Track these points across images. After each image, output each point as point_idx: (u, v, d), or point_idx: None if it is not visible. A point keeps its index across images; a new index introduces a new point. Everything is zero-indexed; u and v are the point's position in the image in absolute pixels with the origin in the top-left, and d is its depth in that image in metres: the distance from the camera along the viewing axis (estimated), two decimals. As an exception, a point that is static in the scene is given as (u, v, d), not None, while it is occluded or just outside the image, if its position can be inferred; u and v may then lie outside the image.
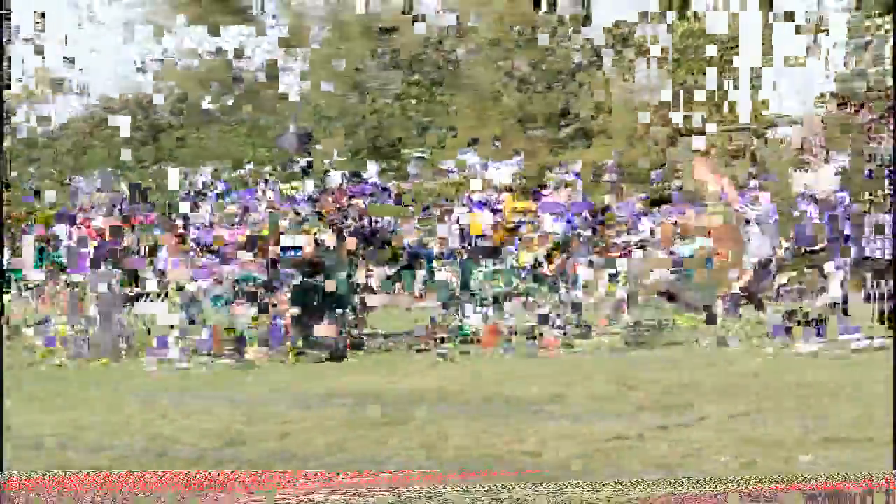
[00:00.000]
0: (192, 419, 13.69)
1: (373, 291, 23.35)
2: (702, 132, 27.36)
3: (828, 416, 12.88)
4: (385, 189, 25.23)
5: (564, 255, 23.92)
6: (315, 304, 21.41)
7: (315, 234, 22.28)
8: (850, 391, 14.93)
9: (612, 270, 24.07)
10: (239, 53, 36.87)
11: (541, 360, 20.11)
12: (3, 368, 15.69)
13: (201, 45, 36.91)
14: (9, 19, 24.80)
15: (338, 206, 23.29)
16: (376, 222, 23.72)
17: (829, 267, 24.10)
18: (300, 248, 21.89)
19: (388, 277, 23.85)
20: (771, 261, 22.89)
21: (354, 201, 23.62)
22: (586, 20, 30.94)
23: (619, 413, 13.45)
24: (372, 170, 25.92)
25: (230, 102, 37.65)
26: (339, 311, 21.60)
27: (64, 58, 33.42)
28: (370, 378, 17.65)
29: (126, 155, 30.55)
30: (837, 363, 18.52)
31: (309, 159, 25.54)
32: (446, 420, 13.22)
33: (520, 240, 24.60)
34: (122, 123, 31.24)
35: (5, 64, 24.04)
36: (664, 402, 14.20)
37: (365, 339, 22.23)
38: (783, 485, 9.63)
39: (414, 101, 37.53)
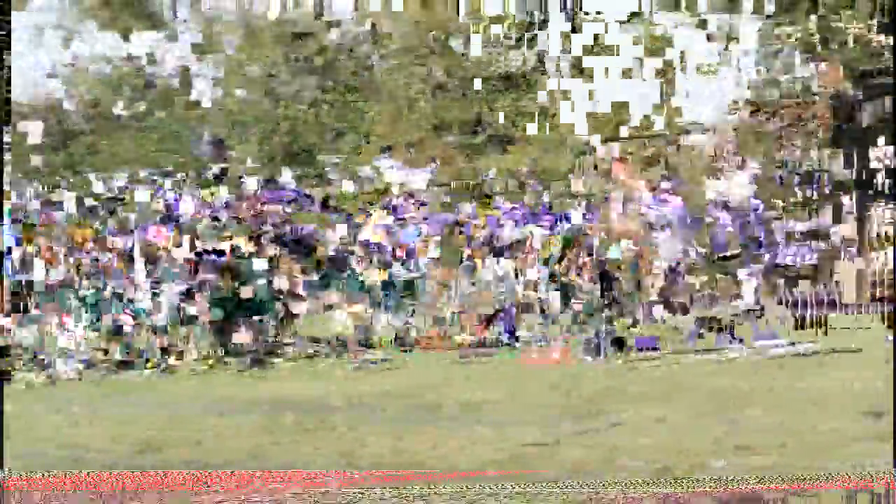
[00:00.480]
0: (105, 426, 13.55)
1: (299, 298, 23.11)
2: (616, 139, 27.48)
3: (740, 421, 12.96)
4: (308, 196, 25.04)
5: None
6: (234, 310, 21.27)
7: (231, 240, 22.08)
8: (767, 397, 15.04)
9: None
10: (151, 59, 36.55)
11: (467, 366, 20.11)
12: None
13: (113, 50, 36.55)
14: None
15: (252, 212, 23.11)
16: (301, 229, 23.53)
17: (741, 273, 24.27)
18: (222, 252, 21.72)
19: (312, 284, 23.64)
20: (679, 264, 22.93)
21: (271, 207, 23.44)
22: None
23: (538, 419, 13.45)
24: (287, 176, 25.75)
25: (142, 108, 37.32)
26: (258, 317, 21.46)
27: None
28: (289, 385, 17.57)
29: (36, 161, 30.15)
30: (755, 369, 18.64)
31: (223, 165, 25.33)
32: (365, 427, 13.16)
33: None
34: (33, 130, 30.82)
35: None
36: (582, 409, 14.23)
37: (287, 345, 22.09)
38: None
39: (328, 108, 37.39)
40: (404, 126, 34.44)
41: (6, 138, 25.73)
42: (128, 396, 17.07)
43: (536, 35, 30.64)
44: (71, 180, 27.56)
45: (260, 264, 21.82)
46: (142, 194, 24.28)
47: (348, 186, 26.87)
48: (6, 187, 22.88)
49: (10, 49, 23.09)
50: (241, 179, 24.83)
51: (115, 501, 9.80)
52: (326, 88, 37.09)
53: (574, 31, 28.85)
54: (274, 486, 10.03)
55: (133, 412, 15.02)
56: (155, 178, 25.65)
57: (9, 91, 27.87)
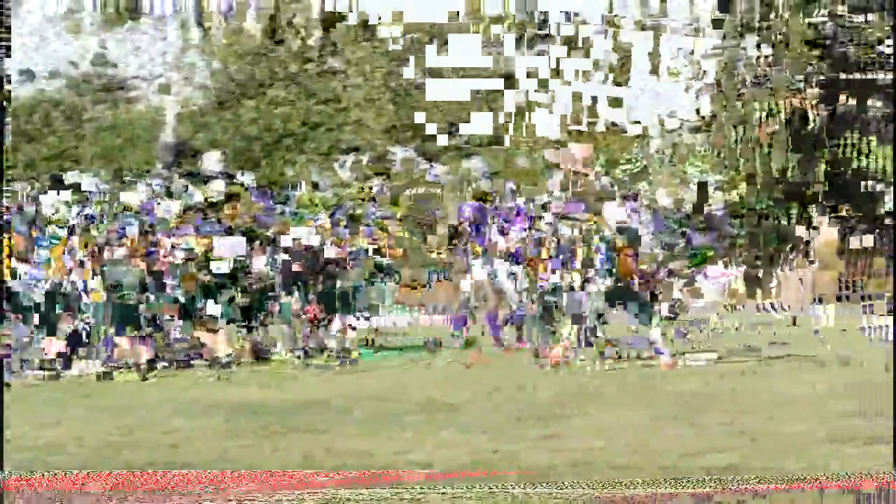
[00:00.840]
0: (69, 428, 13.51)
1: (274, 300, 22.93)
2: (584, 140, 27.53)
3: (711, 425, 13.01)
4: (272, 198, 24.92)
5: None
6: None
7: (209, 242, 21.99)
8: (732, 400, 15.12)
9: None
10: (111, 61, 36.42)
11: (437, 369, 20.15)
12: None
13: (78, 51, 36.42)
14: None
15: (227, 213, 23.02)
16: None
17: (701, 277, 24.33)
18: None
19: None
20: (659, 266, 22.81)
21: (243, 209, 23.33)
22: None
23: (506, 422, 13.49)
24: (248, 179, 25.69)
25: (105, 109, 37.18)
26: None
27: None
28: (256, 388, 17.58)
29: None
30: (720, 372, 18.73)
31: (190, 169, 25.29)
32: (332, 429, 13.17)
33: None
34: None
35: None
36: (550, 412, 14.28)
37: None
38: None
39: (293, 112, 37.41)
40: (367, 131, 34.44)
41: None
42: (92, 399, 17.01)
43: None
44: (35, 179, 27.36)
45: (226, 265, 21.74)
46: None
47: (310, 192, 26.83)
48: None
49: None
50: (207, 183, 24.69)
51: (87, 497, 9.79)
52: (291, 92, 37.07)
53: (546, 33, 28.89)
54: (240, 488, 10.02)
55: (97, 415, 14.96)
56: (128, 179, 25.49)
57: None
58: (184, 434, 13.03)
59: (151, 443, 12.42)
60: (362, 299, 23.15)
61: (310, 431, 13.06)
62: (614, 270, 21.43)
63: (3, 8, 22.72)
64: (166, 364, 20.68)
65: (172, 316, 21.30)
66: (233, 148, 35.01)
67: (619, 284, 21.33)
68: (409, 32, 30.72)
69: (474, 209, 24.63)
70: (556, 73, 28.28)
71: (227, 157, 32.63)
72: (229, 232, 22.45)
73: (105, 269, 21.41)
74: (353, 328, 22.87)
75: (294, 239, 22.84)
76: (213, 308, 21.33)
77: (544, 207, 24.23)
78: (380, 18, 30.90)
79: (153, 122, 34.07)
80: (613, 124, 28.54)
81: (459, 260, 23.80)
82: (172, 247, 21.77)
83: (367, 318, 23.50)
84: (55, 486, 10.21)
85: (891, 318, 22.41)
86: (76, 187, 25.21)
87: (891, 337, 21.04)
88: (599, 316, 21.14)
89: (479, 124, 28.66)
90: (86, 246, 21.80)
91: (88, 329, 21.06)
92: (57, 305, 21.29)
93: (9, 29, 24.07)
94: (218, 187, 24.46)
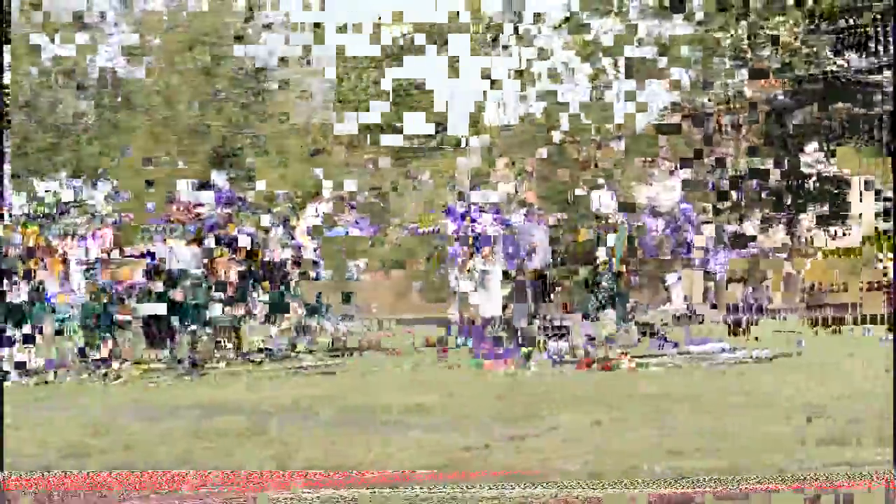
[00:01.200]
0: (31, 431, 13.39)
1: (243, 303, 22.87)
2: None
3: (677, 427, 12.98)
4: (241, 199, 24.82)
5: None
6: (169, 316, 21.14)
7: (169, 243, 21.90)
8: (704, 401, 15.11)
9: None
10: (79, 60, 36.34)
11: (405, 372, 20.12)
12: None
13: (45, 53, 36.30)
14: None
15: (188, 214, 22.92)
16: (239, 232, 23.33)
17: (670, 278, 24.40)
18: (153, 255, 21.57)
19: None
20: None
21: (203, 210, 23.25)
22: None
23: (475, 424, 13.43)
24: (219, 179, 25.56)
25: (73, 112, 37.07)
26: (192, 323, 21.34)
27: None
28: (223, 390, 17.51)
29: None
30: (695, 373, 18.75)
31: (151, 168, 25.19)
32: (300, 431, 13.09)
33: None
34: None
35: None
36: (519, 413, 14.24)
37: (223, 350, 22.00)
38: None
39: (258, 112, 37.44)
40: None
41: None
42: (55, 402, 16.89)
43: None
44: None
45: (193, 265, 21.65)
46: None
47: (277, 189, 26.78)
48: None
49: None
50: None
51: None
52: (257, 92, 37.02)
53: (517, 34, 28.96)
54: (204, 488, 9.94)
55: (60, 417, 14.85)
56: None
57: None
58: (145, 436, 12.93)
59: (112, 445, 12.31)
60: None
61: (276, 433, 12.98)
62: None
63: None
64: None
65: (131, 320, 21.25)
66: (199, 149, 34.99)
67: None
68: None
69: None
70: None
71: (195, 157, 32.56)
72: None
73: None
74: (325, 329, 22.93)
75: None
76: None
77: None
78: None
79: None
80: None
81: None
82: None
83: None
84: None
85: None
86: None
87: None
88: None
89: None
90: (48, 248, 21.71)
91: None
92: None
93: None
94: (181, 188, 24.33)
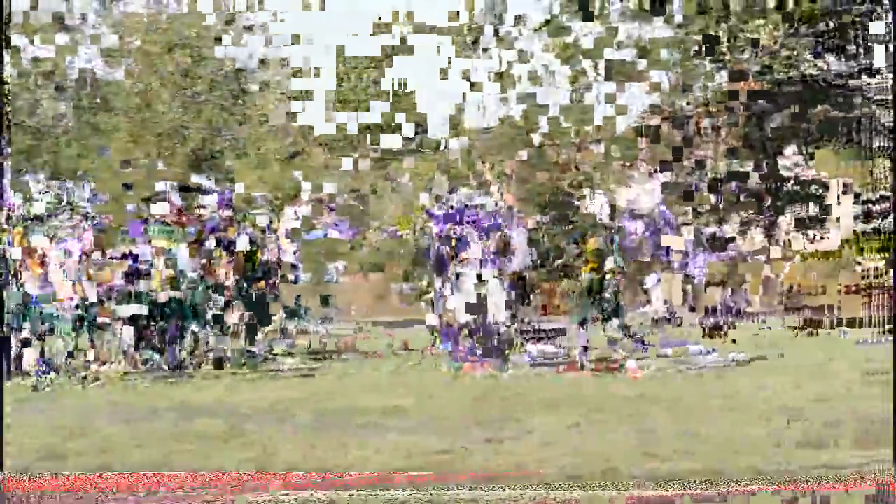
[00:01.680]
0: (8, 434, 13.33)
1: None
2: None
3: (654, 429, 12.99)
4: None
5: None
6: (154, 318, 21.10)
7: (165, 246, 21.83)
8: (682, 404, 15.13)
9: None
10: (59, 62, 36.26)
11: (383, 374, 20.11)
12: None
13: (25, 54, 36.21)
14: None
15: (180, 217, 22.85)
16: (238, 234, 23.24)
17: (649, 281, 24.38)
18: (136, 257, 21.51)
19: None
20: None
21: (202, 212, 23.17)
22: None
23: (453, 426, 13.43)
24: (202, 180, 25.50)
25: (53, 114, 36.98)
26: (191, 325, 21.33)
27: None
28: (202, 392, 17.47)
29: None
30: (674, 376, 18.76)
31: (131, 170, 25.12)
32: (278, 434, 13.07)
33: None
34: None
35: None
36: (497, 415, 14.24)
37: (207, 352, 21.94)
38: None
39: (238, 114, 37.40)
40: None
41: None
42: (34, 404, 16.83)
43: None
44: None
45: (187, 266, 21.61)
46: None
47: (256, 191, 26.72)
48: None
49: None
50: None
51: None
52: (237, 94, 36.96)
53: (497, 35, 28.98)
54: (182, 491, 9.92)
55: (38, 419, 14.79)
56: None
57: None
58: (123, 438, 12.90)
59: (90, 447, 12.27)
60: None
61: (255, 435, 12.96)
62: None
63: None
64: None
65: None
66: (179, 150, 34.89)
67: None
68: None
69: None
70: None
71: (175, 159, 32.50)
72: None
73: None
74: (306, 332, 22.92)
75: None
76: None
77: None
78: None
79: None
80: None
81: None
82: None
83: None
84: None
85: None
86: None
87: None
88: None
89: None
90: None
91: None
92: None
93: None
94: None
